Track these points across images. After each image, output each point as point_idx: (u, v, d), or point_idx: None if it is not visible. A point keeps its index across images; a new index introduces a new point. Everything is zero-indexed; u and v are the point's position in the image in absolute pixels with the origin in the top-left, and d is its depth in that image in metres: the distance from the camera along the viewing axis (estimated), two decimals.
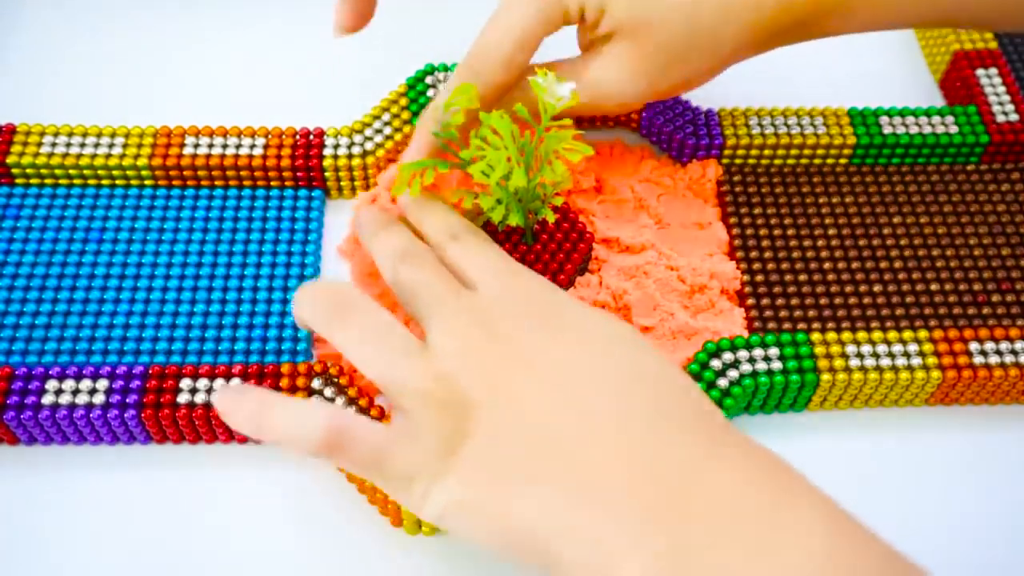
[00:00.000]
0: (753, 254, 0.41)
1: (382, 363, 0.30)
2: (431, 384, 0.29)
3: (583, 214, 0.42)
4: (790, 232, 0.42)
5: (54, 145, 0.42)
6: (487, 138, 0.36)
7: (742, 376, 0.37)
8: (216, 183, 0.43)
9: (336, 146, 0.43)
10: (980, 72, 0.48)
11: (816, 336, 0.38)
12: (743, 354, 0.37)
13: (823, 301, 0.40)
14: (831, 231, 0.42)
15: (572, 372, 0.29)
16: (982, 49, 0.49)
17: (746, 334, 0.39)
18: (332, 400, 0.35)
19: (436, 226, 0.36)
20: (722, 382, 0.37)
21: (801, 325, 0.39)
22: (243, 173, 0.42)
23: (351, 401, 0.35)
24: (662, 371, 0.30)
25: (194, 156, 0.42)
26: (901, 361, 0.37)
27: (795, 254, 0.41)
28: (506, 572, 0.34)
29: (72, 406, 0.35)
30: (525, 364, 0.29)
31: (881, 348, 0.38)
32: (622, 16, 0.37)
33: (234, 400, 0.30)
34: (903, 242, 0.42)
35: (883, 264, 0.41)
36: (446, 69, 0.46)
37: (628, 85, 0.38)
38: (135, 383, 0.35)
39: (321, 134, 0.43)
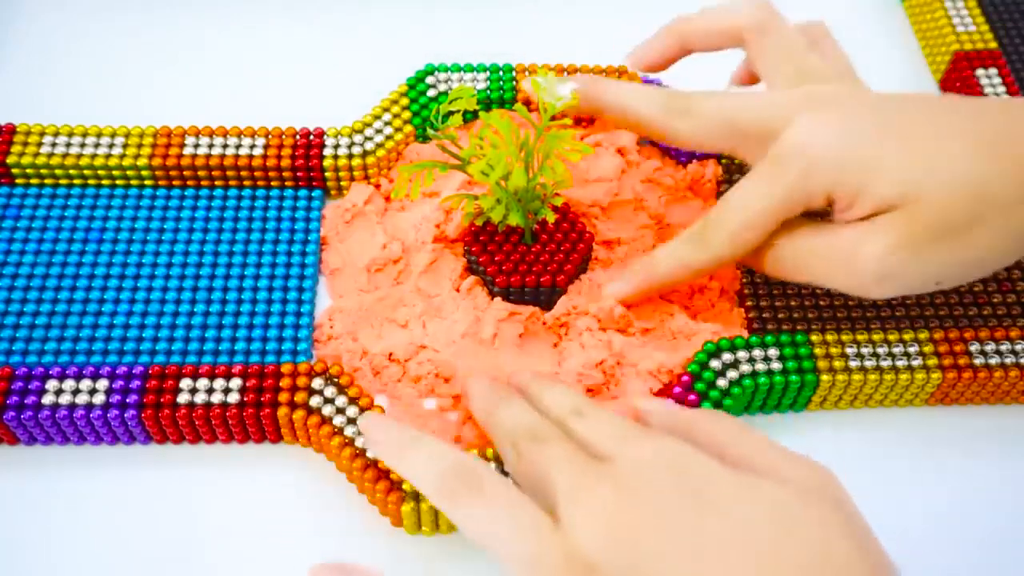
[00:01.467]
0: None
1: (511, 542, 0.27)
2: (566, 565, 0.26)
3: (583, 214, 0.42)
4: None
5: (54, 145, 0.42)
6: (487, 137, 0.36)
7: (742, 376, 0.37)
8: (216, 183, 0.43)
9: (336, 146, 0.43)
10: (980, 72, 0.48)
11: (816, 336, 0.38)
12: (743, 354, 0.37)
13: (823, 301, 0.40)
14: None
15: (735, 560, 0.25)
16: (982, 49, 0.49)
17: (746, 334, 0.39)
18: (331, 401, 0.35)
19: (558, 401, 0.32)
20: (722, 382, 0.37)
21: (801, 325, 0.39)
22: (243, 173, 0.42)
23: (352, 400, 0.35)
24: (848, 555, 0.26)
25: (194, 156, 0.42)
26: (901, 361, 0.37)
27: None
28: None
29: (72, 406, 0.35)
30: (676, 548, 0.26)
31: (881, 348, 0.38)
32: (887, 193, 0.32)
33: (383, 430, 0.32)
34: None
35: None
36: (446, 69, 0.46)
37: (890, 262, 0.33)
38: (135, 383, 0.35)
39: (321, 134, 0.43)
